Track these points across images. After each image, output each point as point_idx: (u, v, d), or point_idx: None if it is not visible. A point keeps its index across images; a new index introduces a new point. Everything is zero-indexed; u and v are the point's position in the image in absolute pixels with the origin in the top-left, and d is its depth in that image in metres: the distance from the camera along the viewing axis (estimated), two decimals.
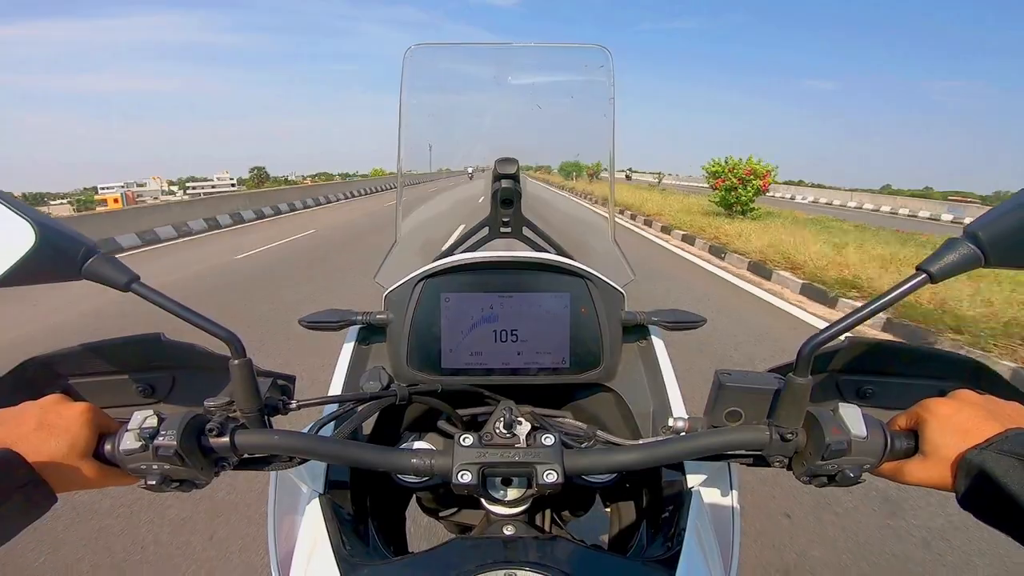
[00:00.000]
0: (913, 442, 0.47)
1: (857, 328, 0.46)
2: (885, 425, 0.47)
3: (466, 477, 0.45)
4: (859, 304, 0.75)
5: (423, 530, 1.52)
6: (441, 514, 0.78)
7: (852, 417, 0.46)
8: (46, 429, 0.42)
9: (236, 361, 0.47)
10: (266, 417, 0.51)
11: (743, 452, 0.51)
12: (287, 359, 3.58)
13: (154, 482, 0.44)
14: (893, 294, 0.42)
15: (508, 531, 0.52)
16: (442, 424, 0.66)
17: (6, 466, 0.38)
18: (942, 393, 0.50)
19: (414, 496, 0.77)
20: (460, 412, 0.66)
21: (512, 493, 0.53)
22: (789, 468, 0.50)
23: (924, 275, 0.41)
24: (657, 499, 0.64)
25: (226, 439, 0.46)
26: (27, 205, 0.42)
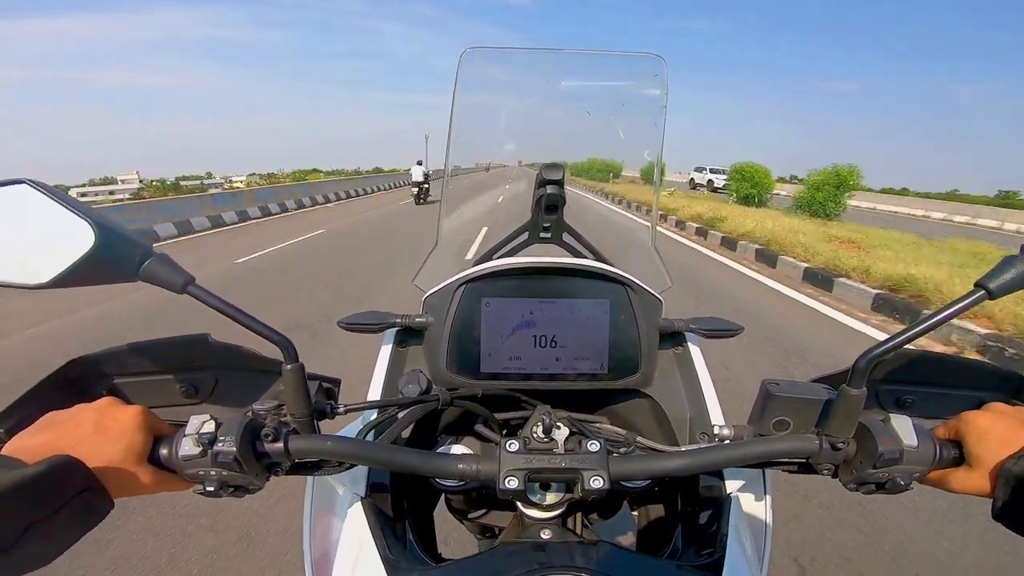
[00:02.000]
0: (958, 452, 0.48)
1: None
2: (933, 435, 0.48)
3: (512, 483, 0.45)
4: None
5: (445, 532, 1.51)
6: (469, 516, 0.78)
7: (904, 427, 0.46)
8: (102, 433, 0.41)
9: (289, 366, 0.47)
10: (315, 422, 0.51)
11: (786, 460, 0.52)
12: None
13: (212, 488, 0.44)
14: (951, 310, 0.42)
15: (545, 535, 0.52)
16: (480, 429, 0.66)
17: (66, 471, 0.37)
18: (980, 404, 0.51)
19: (442, 498, 0.77)
20: (496, 416, 0.65)
21: (550, 497, 0.53)
22: (835, 476, 0.50)
23: (983, 291, 0.42)
24: (693, 504, 0.64)
25: (280, 444, 0.46)
26: (88, 207, 0.42)
